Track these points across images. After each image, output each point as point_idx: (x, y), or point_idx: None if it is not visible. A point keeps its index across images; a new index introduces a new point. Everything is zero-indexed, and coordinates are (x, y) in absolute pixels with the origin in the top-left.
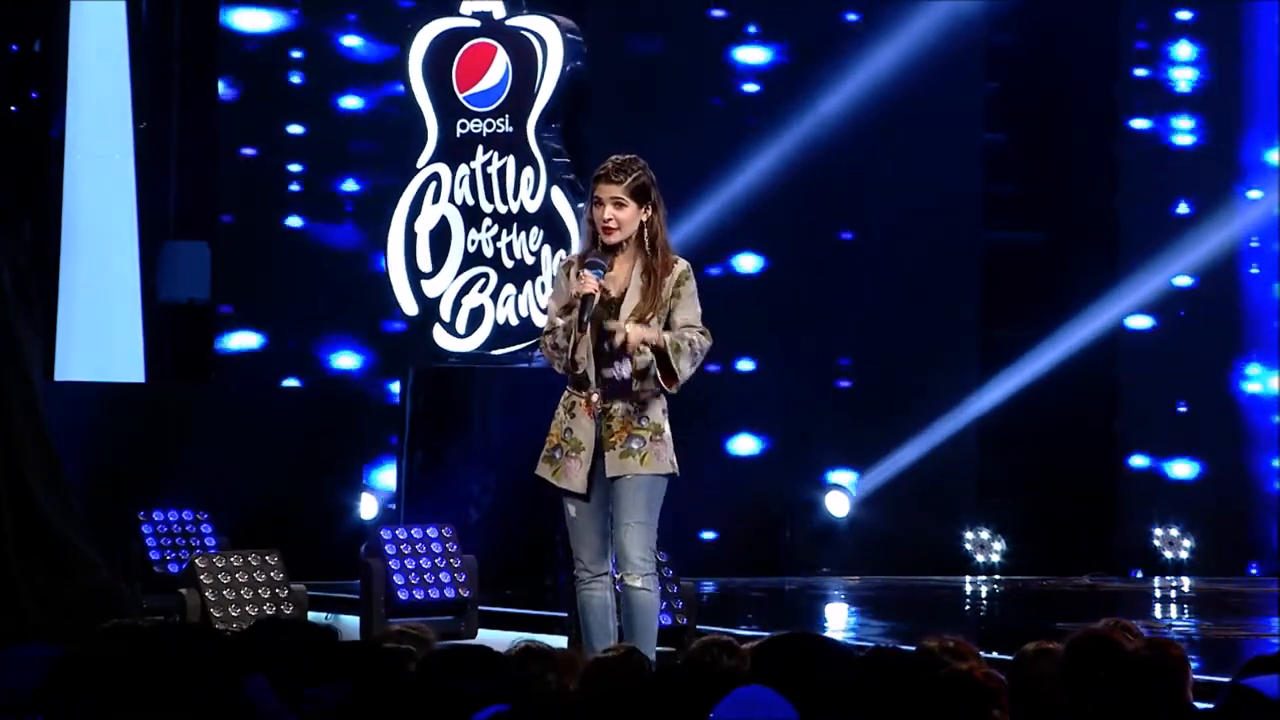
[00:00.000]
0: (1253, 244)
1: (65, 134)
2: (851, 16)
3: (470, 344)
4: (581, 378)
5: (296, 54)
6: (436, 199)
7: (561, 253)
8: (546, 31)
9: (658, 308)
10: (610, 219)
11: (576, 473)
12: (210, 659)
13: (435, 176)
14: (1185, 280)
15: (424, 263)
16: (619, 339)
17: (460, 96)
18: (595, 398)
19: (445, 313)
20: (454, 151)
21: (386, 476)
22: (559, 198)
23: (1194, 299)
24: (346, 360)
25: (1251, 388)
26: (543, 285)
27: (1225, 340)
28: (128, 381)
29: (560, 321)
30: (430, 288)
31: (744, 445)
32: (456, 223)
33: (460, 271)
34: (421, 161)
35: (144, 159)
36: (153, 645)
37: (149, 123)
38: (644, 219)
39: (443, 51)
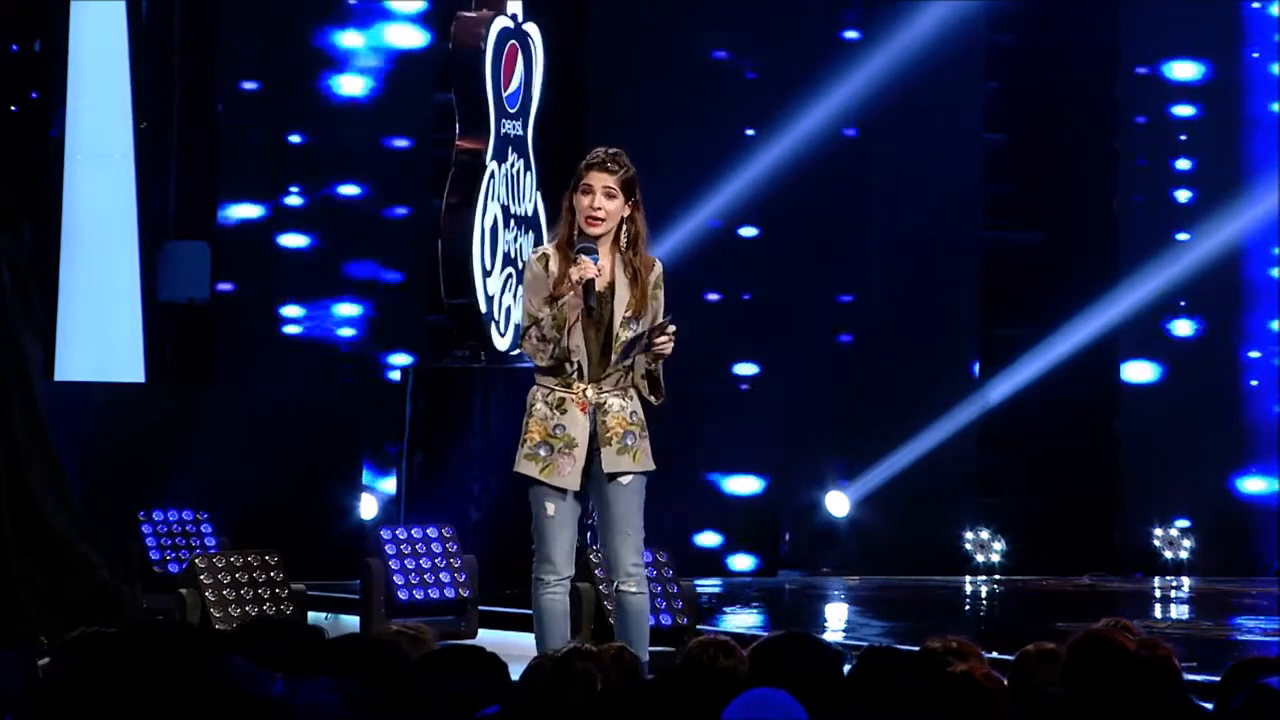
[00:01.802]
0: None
1: (65, 134)
2: (851, 23)
3: (506, 343)
4: (572, 367)
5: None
6: (493, 197)
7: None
8: (535, 36)
9: (646, 305)
10: (599, 208)
11: (570, 470)
12: (195, 658)
13: (492, 175)
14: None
15: (486, 260)
16: (666, 347)
17: (503, 96)
18: (590, 393)
19: (497, 311)
20: (500, 150)
21: (386, 477)
22: (540, 203)
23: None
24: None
25: (1251, 486)
26: None
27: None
28: (128, 381)
29: (544, 314)
30: (491, 285)
31: (743, 443)
32: (500, 222)
33: (502, 270)
34: (486, 158)
35: (144, 159)
36: (135, 647)
37: (149, 123)
38: (625, 214)
39: (497, 49)
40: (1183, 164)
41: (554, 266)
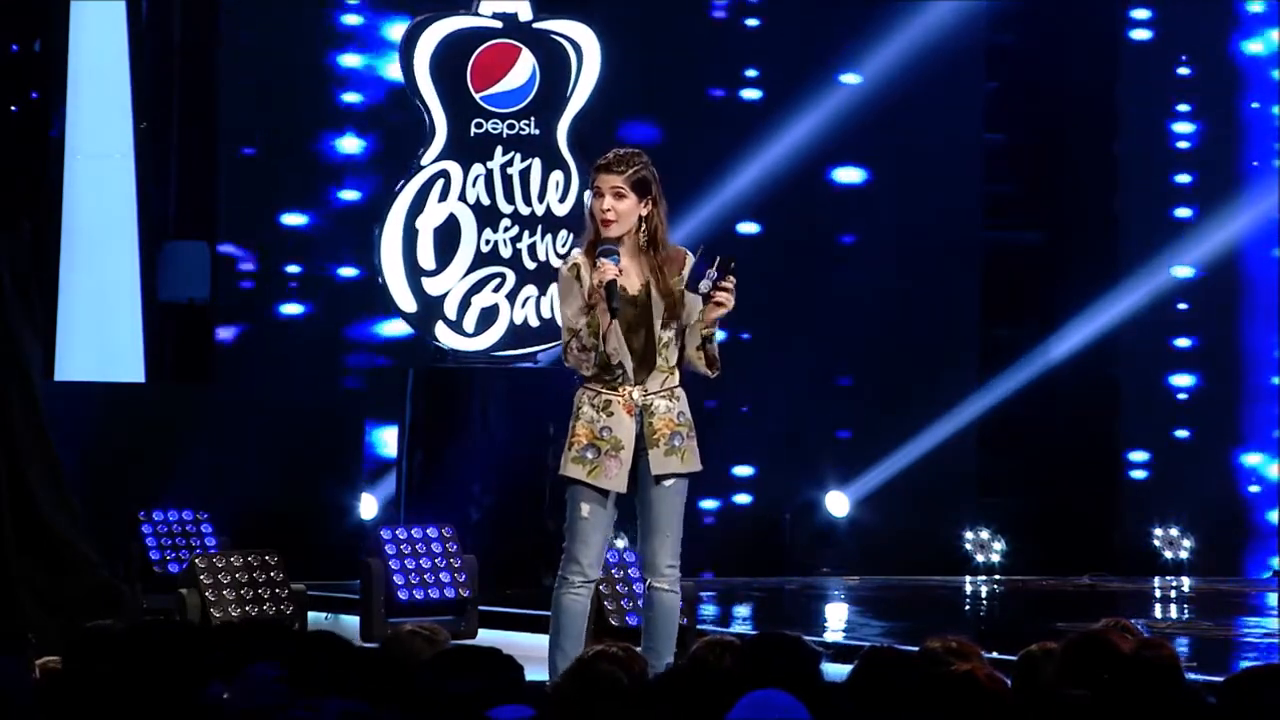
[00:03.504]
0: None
1: (65, 134)
2: (851, 14)
3: (480, 343)
4: (616, 370)
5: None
6: (444, 197)
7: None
8: (582, 37)
9: (677, 300)
10: (609, 209)
11: (617, 472)
12: (189, 661)
13: (443, 174)
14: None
15: (426, 260)
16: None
17: (475, 96)
18: (636, 395)
19: (451, 311)
20: (466, 150)
21: (386, 477)
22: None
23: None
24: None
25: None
26: None
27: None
28: (128, 381)
29: (581, 324)
30: (432, 285)
31: (743, 442)
32: (468, 221)
33: (470, 270)
34: (427, 159)
35: (144, 159)
36: (127, 648)
37: (149, 123)
38: (643, 213)
39: (455, 50)
40: (1182, 174)
41: (585, 275)
